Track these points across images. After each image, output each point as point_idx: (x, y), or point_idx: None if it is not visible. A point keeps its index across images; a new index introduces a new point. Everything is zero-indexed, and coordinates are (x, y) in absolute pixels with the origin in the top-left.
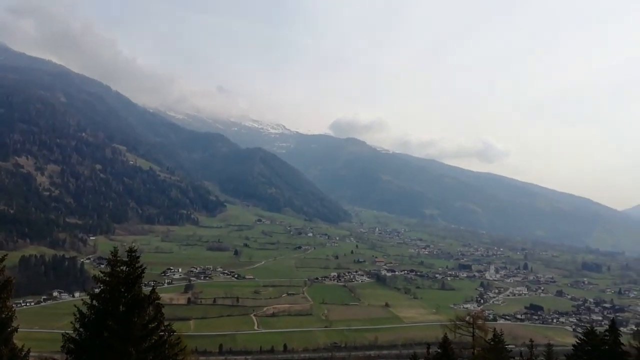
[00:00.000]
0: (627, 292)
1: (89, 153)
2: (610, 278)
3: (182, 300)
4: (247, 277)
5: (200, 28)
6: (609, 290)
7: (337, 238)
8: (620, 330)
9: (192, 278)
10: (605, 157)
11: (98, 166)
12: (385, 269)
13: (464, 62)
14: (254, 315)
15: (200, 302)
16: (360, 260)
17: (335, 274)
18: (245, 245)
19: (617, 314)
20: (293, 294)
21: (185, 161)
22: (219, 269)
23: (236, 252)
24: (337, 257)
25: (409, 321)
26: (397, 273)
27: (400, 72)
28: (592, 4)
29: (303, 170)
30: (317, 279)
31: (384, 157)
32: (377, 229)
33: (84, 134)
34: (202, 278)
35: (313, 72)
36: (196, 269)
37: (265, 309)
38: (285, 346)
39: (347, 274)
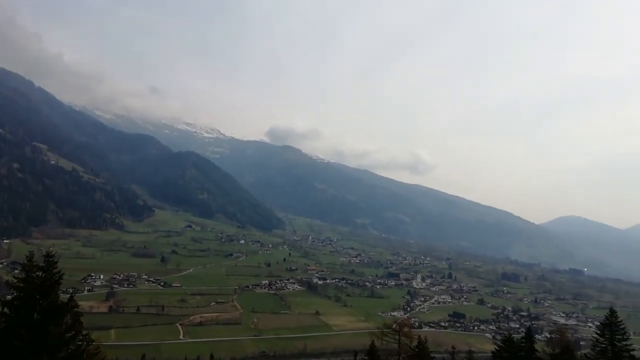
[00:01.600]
0: (542, 301)
1: (7, 150)
2: (527, 288)
3: (103, 308)
4: (174, 284)
5: (133, 26)
6: (526, 299)
7: (270, 246)
8: (535, 338)
9: (114, 285)
10: (526, 174)
11: (16, 165)
12: (317, 277)
13: (399, 78)
14: (180, 324)
15: (123, 310)
16: (293, 268)
17: (267, 282)
18: (173, 251)
19: (533, 322)
20: (222, 302)
21: (113, 163)
22: (144, 276)
23: (163, 259)
24: (269, 265)
25: (338, 329)
26: (328, 281)
27: (338, 83)
28: (518, 29)
29: (237, 177)
30: (247, 287)
31: (319, 165)
32: (310, 237)
33: (1, 130)
34: (125, 285)
35: (251, 78)
36: (119, 275)
37: (192, 317)
38: (212, 356)
39: (278, 282)
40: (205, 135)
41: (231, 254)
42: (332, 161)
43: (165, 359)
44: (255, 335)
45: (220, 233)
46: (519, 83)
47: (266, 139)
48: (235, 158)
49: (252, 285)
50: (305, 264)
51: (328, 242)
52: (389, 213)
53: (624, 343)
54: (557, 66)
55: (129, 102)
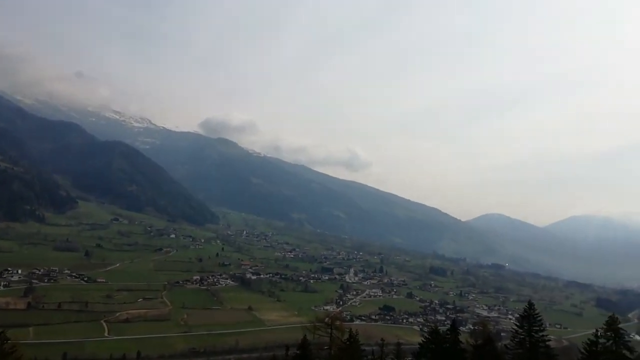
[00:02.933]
0: (467, 295)
1: None
2: (453, 282)
3: (21, 304)
4: (99, 280)
5: (60, 5)
6: (452, 292)
7: (202, 240)
8: (459, 330)
9: (33, 280)
10: (454, 172)
11: None
12: (251, 272)
13: (337, 75)
14: (105, 321)
15: (43, 307)
16: (226, 263)
17: (198, 277)
18: (98, 245)
19: (458, 315)
20: (150, 298)
21: (33, 151)
22: (66, 271)
23: (87, 253)
24: (200, 260)
25: (271, 324)
26: (262, 276)
27: (276, 77)
28: (447, 34)
29: (168, 169)
30: (177, 282)
31: (255, 159)
32: (244, 232)
33: None
34: (46, 281)
35: (185, 67)
36: (39, 270)
37: (118, 314)
38: (139, 353)
39: (210, 277)
40: (135, 124)
41: (161, 249)
42: (268, 155)
43: (89, 357)
44: (185, 332)
45: (150, 227)
46: (448, 86)
47: (200, 131)
48: (167, 149)
49: (183, 281)
50: (239, 259)
51: (263, 237)
52: (324, 208)
53: (541, 334)
54: (482, 71)
55: (52, 87)
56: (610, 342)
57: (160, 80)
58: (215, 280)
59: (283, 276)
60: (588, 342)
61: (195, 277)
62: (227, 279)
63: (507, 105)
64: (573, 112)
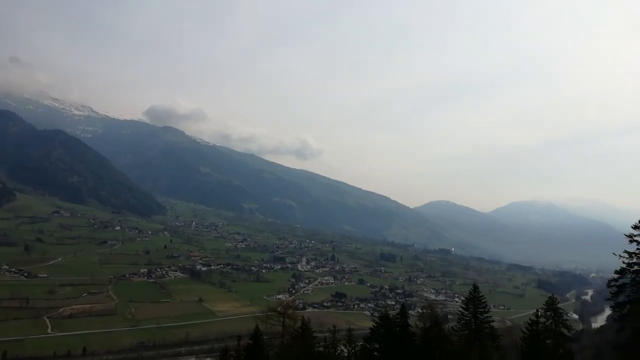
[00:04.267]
0: (415, 279)
1: None
2: (402, 267)
3: None
4: (40, 275)
5: None
6: (401, 277)
7: (150, 232)
8: (408, 313)
9: None
10: (403, 161)
11: None
12: (201, 264)
13: (288, 64)
14: (48, 317)
15: None
16: (174, 255)
17: (146, 270)
18: (39, 239)
19: (407, 299)
20: (95, 292)
21: None
22: (5, 267)
23: (27, 248)
24: (148, 253)
25: (223, 315)
26: (212, 267)
27: (225, 64)
28: (399, 27)
29: (112, 158)
30: (124, 276)
31: (203, 148)
32: (193, 223)
33: None
34: None
35: (129, 52)
36: None
37: (61, 310)
38: (84, 349)
39: (158, 269)
40: (76, 112)
41: (105, 242)
42: (217, 144)
43: (31, 355)
44: (133, 326)
45: (93, 219)
46: (396, 79)
47: (145, 119)
48: (110, 138)
49: (130, 274)
50: (188, 250)
51: (213, 228)
52: (275, 198)
53: (485, 315)
54: (429, 65)
55: None
56: (550, 321)
57: (103, 67)
58: (163, 272)
59: (234, 267)
60: (529, 321)
61: (142, 270)
62: (176, 271)
63: (453, 98)
64: (514, 105)
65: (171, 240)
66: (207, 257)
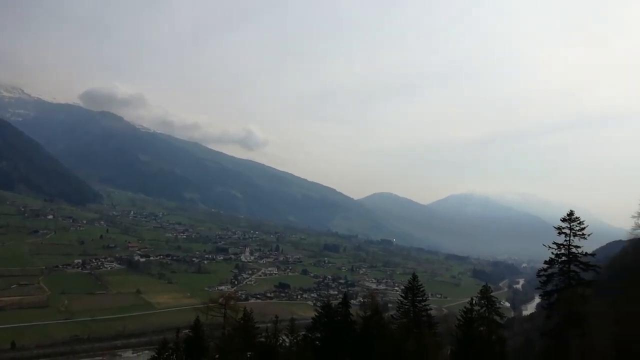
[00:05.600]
0: (358, 269)
1: None
2: (345, 257)
3: None
4: None
5: None
6: (344, 267)
7: (85, 221)
8: (350, 303)
9: None
10: (348, 153)
11: None
12: (139, 255)
13: (232, 52)
14: None
15: None
16: (111, 245)
17: (80, 261)
18: None
19: (349, 289)
20: (26, 284)
21: None
22: None
23: None
24: (82, 243)
25: (162, 307)
26: (151, 258)
27: (167, 49)
28: (345, 20)
29: (45, 143)
30: (57, 267)
31: (143, 135)
32: (132, 212)
33: None
34: None
35: (63, 32)
36: None
37: None
38: (13, 343)
39: (94, 260)
40: (5, 94)
41: (37, 231)
42: (158, 131)
43: None
44: (66, 319)
45: (23, 207)
46: (342, 70)
47: (80, 103)
48: (43, 122)
49: (63, 265)
50: (126, 240)
51: (152, 218)
52: (219, 188)
53: (423, 304)
54: (374, 58)
55: None
56: (484, 309)
57: (34, 47)
58: (99, 263)
59: (174, 258)
60: (464, 309)
61: (76, 261)
62: (112, 262)
63: (396, 92)
64: (454, 100)
65: (107, 230)
66: (146, 248)
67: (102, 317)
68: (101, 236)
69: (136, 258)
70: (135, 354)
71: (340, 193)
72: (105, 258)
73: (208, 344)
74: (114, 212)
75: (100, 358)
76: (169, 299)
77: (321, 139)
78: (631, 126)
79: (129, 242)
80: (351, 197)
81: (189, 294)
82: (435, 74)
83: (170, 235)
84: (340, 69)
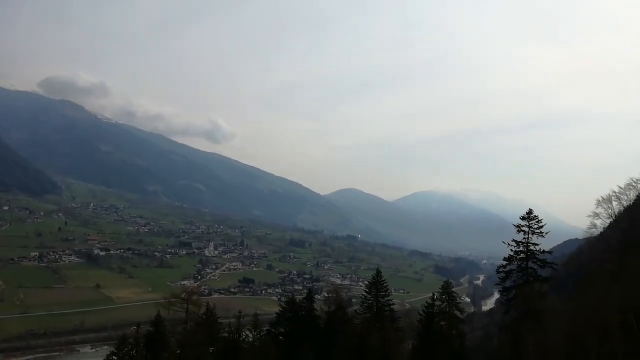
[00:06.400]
0: (323, 265)
1: None
2: (311, 253)
3: None
4: None
5: None
6: (309, 263)
7: (42, 213)
8: (315, 298)
9: None
10: (316, 149)
11: None
12: (99, 248)
13: (199, 43)
14: None
15: None
16: (70, 238)
17: (37, 254)
18: None
19: (314, 284)
20: None
21: None
22: None
23: None
24: (40, 235)
25: (122, 302)
26: (112, 252)
27: (131, 38)
28: (317, 17)
29: (1, 132)
30: (12, 260)
31: (105, 126)
32: (92, 205)
33: None
34: None
35: (23, 18)
36: None
37: None
38: None
39: (52, 253)
40: None
41: None
42: (121, 122)
43: None
44: (22, 313)
45: None
46: (308, 65)
47: (40, 91)
48: (0, 111)
49: (19, 258)
50: (86, 234)
51: (114, 210)
52: (183, 181)
53: (387, 299)
54: (346, 55)
55: None
56: (445, 304)
57: None
58: (57, 257)
59: (136, 252)
60: (426, 304)
61: (33, 254)
62: (71, 255)
63: (363, 89)
64: (419, 100)
65: (66, 223)
66: (107, 242)
67: (59, 312)
68: (60, 229)
69: (96, 252)
70: (94, 350)
71: (307, 188)
72: (63, 251)
73: (169, 340)
74: (74, 204)
75: (58, 353)
76: (130, 294)
77: (289, 134)
78: (589, 129)
79: (89, 236)
80: (318, 192)
81: (150, 289)
82: (402, 73)
83: (131, 228)
84: (308, 64)
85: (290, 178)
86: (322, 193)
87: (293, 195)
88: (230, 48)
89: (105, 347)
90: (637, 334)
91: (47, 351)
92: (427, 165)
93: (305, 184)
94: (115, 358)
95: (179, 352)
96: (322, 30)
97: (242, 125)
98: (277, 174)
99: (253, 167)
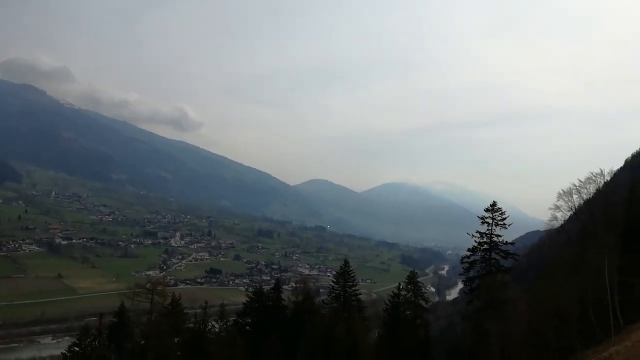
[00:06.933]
0: (291, 255)
1: None
2: (279, 243)
3: None
4: None
5: None
6: (277, 253)
7: (1, 201)
8: (283, 288)
9: None
10: (286, 139)
11: None
12: (61, 237)
13: (166, 28)
14: None
15: None
16: (30, 227)
17: None
18: None
19: (282, 274)
20: None
21: None
22: None
23: None
24: None
25: (85, 292)
26: (74, 241)
27: (95, 21)
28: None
29: None
30: None
31: (67, 111)
32: (53, 192)
33: None
34: None
35: None
36: None
37: None
38: None
39: (11, 242)
40: None
41: None
42: (84, 108)
43: None
44: None
45: None
46: (279, 54)
47: None
48: None
49: None
50: (47, 222)
51: (76, 199)
52: (149, 169)
53: (353, 289)
54: (312, 45)
55: None
56: (410, 293)
57: None
58: (16, 245)
59: (99, 241)
60: (392, 294)
61: None
62: (31, 244)
63: (333, 80)
64: (388, 92)
65: (26, 211)
66: (69, 230)
67: (19, 302)
68: (19, 217)
69: (57, 241)
70: (55, 341)
71: (276, 178)
72: (23, 240)
73: (133, 330)
74: (34, 192)
75: (17, 345)
76: (93, 284)
77: (258, 123)
78: (551, 124)
79: (50, 224)
80: (287, 183)
81: (114, 279)
82: (372, 65)
83: (94, 217)
84: (278, 53)
85: (259, 168)
86: (292, 183)
87: (262, 185)
88: (199, 36)
89: (67, 338)
90: (594, 323)
91: (7, 342)
92: (396, 157)
93: (274, 174)
94: (77, 349)
95: (143, 342)
96: (293, 20)
97: (210, 113)
98: (246, 163)
99: (221, 156)
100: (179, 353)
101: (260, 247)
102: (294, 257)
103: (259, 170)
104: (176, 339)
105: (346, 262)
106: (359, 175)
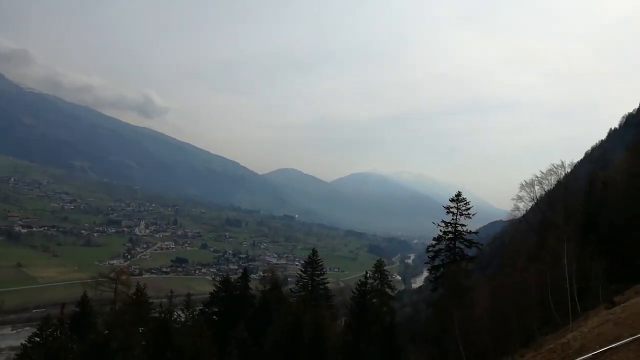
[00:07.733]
0: (259, 244)
1: None
2: (247, 232)
3: None
4: None
5: None
6: (245, 242)
7: None
8: (250, 277)
9: None
10: (254, 127)
11: None
12: (20, 225)
13: (129, 12)
14: None
15: None
16: None
17: None
18: None
19: (250, 263)
20: None
21: None
22: None
23: None
24: None
25: (45, 281)
26: (34, 229)
27: (59, 2)
28: None
29: None
30: None
31: (27, 96)
32: (12, 179)
33: None
34: None
35: None
36: None
37: None
38: None
39: None
40: None
41: None
42: (45, 92)
43: None
44: None
45: None
46: (247, 41)
47: None
48: None
49: None
50: (5, 210)
51: (36, 186)
52: (113, 157)
53: (321, 277)
54: (282, 33)
55: None
56: (377, 282)
57: None
58: None
59: (61, 229)
60: (359, 282)
61: None
62: None
63: (303, 68)
64: (357, 81)
65: None
66: (28, 218)
67: None
68: None
69: (17, 229)
70: (14, 331)
71: (244, 167)
72: None
73: (96, 320)
74: None
75: None
76: (54, 273)
77: (226, 111)
78: (516, 116)
79: (9, 212)
80: (255, 171)
81: (76, 268)
82: (343, 53)
83: (55, 205)
84: (247, 39)
85: (227, 156)
86: (260, 172)
87: (230, 174)
88: (165, 19)
89: (27, 328)
90: (553, 310)
91: None
92: (365, 146)
93: (242, 163)
94: (38, 339)
95: (106, 332)
96: (262, 6)
97: (177, 99)
98: (213, 151)
99: (188, 144)
100: (143, 343)
101: (227, 236)
102: (262, 247)
103: (227, 159)
104: (141, 329)
105: (314, 251)
106: (328, 165)
